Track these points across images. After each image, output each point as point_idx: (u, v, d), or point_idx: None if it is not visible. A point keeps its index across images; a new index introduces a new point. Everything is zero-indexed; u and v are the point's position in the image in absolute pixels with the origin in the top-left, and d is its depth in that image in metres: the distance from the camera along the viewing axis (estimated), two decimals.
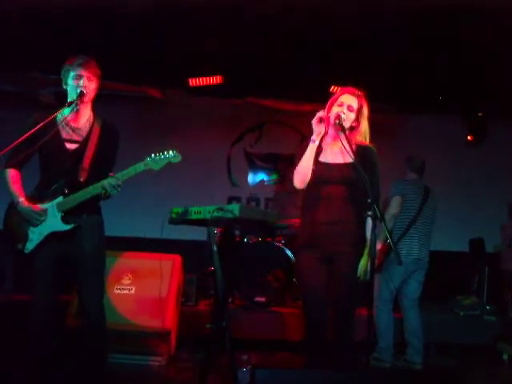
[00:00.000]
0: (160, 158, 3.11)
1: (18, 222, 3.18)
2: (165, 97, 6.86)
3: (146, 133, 7.21)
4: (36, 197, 3.21)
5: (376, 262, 4.30)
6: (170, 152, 3.13)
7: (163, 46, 5.51)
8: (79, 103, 3.20)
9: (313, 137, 3.29)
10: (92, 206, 3.26)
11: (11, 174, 3.25)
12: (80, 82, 3.19)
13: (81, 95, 3.17)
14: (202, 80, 6.51)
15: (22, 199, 3.17)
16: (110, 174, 3.11)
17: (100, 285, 3.31)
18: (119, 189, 3.10)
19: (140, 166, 3.11)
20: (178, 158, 3.15)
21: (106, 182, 3.08)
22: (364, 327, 3.05)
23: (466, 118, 7.15)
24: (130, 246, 4.47)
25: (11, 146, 3.02)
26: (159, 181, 7.05)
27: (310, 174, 3.30)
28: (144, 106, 7.21)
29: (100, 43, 4.95)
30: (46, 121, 3.10)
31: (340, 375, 2.65)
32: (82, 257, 3.19)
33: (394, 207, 4.64)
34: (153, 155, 3.11)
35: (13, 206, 3.20)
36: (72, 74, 3.21)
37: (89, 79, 3.21)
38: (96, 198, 3.22)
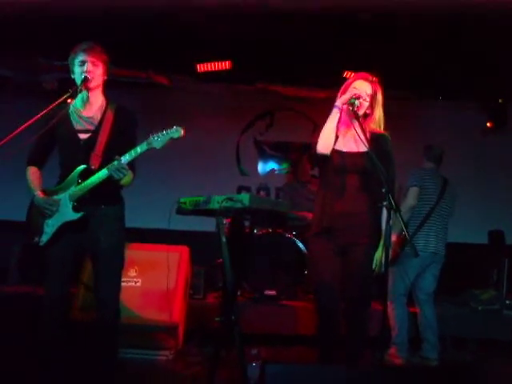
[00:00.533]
0: (161, 135, 3.09)
1: (35, 215, 3.25)
2: (172, 83, 6.83)
3: (152, 121, 7.13)
4: (54, 190, 3.26)
5: (391, 254, 4.33)
6: (171, 129, 3.11)
7: (170, 30, 5.49)
8: (83, 89, 3.21)
9: (337, 103, 3.28)
10: (111, 196, 3.28)
11: (31, 171, 3.36)
12: (84, 68, 3.19)
13: (85, 81, 3.17)
14: (210, 65, 6.48)
15: (37, 192, 3.24)
16: (116, 157, 3.11)
17: (117, 279, 3.31)
18: (125, 171, 3.08)
19: (143, 146, 3.09)
20: (179, 132, 3.10)
21: (110, 167, 3.08)
22: (378, 322, 3.04)
23: (485, 104, 7.08)
24: (136, 237, 4.46)
25: (8, 137, 3.00)
26: (166, 170, 7.08)
27: (333, 138, 3.28)
28: (150, 93, 7.20)
29: (105, 29, 4.93)
30: (59, 117, 3.15)
31: (353, 371, 2.65)
32: (99, 250, 3.20)
33: (411, 198, 4.58)
34: (155, 134, 3.10)
35: (32, 201, 3.28)
36: (77, 60, 3.22)
37: (93, 64, 3.20)
38: (113, 187, 3.24)
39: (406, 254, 4.44)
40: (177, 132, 3.10)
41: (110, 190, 3.23)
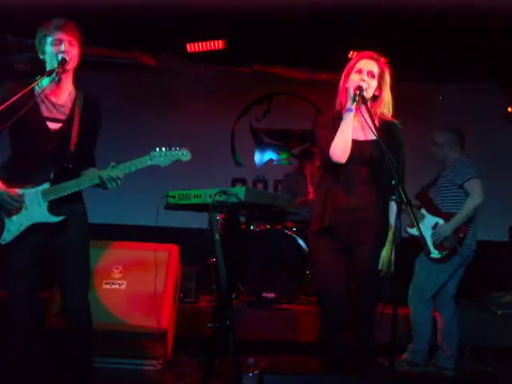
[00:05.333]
0: (168, 155, 3.12)
1: None
2: (159, 64, 6.81)
3: (137, 106, 7.20)
4: (8, 178, 3.15)
5: (447, 248, 4.42)
6: (180, 149, 3.16)
7: (157, 6, 5.46)
8: (61, 72, 3.16)
9: (348, 105, 3.28)
10: (75, 195, 3.24)
11: None
12: (61, 48, 3.12)
13: (63, 62, 3.11)
14: (202, 45, 6.47)
15: None
16: (112, 163, 3.09)
17: (85, 279, 3.31)
18: (119, 182, 3.10)
19: (145, 160, 3.12)
20: (188, 157, 3.19)
21: (105, 174, 3.07)
22: (387, 327, 3.04)
23: (506, 87, 7.08)
24: (121, 234, 4.47)
25: None
26: None
27: (350, 145, 3.25)
28: (135, 74, 7.18)
29: (83, 3, 4.91)
30: (23, 92, 3.04)
31: (360, 381, 2.65)
32: (67, 248, 3.19)
33: (482, 193, 4.47)
34: (159, 149, 3.12)
35: None
36: (50, 39, 3.14)
37: (70, 43, 3.14)
38: None
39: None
40: (185, 156, 3.18)
41: None
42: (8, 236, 3.13)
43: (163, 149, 3.13)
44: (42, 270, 3.24)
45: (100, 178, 3.08)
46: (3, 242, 3.13)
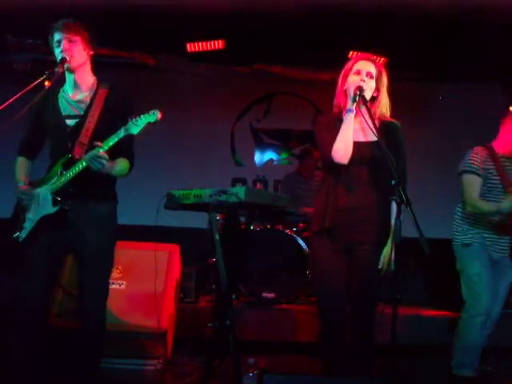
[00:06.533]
0: (138, 120, 3.06)
1: (19, 209, 3.28)
2: (159, 64, 6.83)
3: (137, 106, 7.18)
4: (38, 182, 3.28)
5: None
6: (149, 113, 3.09)
7: (157, 5, 5.47)
8: (61, 71, 3.18)
9: (349, 106, 3.28)
10: (101, 192, 3.26)
11: (19, 162, 3.42)
12: (61, 47, 3.18)
13: (62, 62, 3.15)
14: (202, 45, 6.47)
15: (20, 184, 3.28)
16: (96, 143, 3.07)
17: (104, 286, 3.30)
18: (102, 161, 3.03)
19: (120, 133, 3.06)
20: (156, 115, 3.08)
21: (87, 156, 3.06)
22: (387, 328, 3.04)
23: (508, 87, 7.09)
24: (121, 234, 4.43)
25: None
26: (154, 161, 7.06)
27: (351, 146, 3.25)
28: (135, 74, 7.18)
29: (84, 3, 4.92)
30: (40, 95, 3.15)
31: (359, 381, 2.66)
32: (86, 252, 3.19)
33: None
34: (133, 118, 3.08)
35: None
36: (54, 41, 3.23)
37: (69, 41, 3.18)
38: (104, 180, 3.23)
39: None
40: (153, 116, 3.08)
41: (100, 184, 3.22)
42: (23, 233, 3.20)
43: (136, 118, 3.06)
44: (55, 270, 3.27)
45: (84, 160, 3.07)
46: (20, 240, 3.20)
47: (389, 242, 3.25)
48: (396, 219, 2.99)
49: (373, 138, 3.21)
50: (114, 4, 5.40)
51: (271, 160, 8.05)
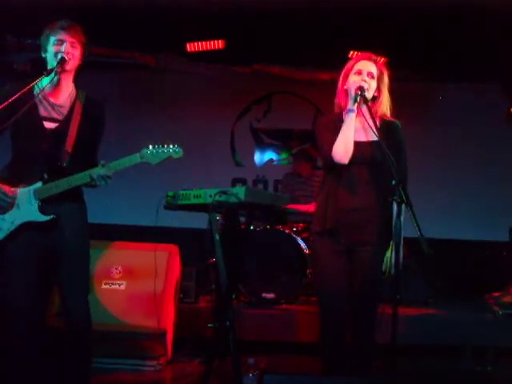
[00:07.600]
0: (159, 152, 3.07)
1: None
2: (159, 64, 6.82)
3: (137, 106, 7.19)
4: (8, 178, 3.17)
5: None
6: (172, 146, 3.09)
7: (156, 5, 5.47)
8: (59, 71, 3.16)
9: (350, 106, 3.28)
10: (73, 194, 3.23)
11: None
12: (62, 48, 3.14)
13: (62, 62, 3.12)
14: (202, 45, 6.47)
15: None
16: (102, 162, 3.08)
17: (85, 279, 3.31)
18: (109, 180, 3.07)
19: (135, 158, 3.08)
20: (180, 154, 3.10)
21: (94, 172, 3.05)
22: (387, 328, 3.04)
23: (508, 87, 7.08)
24: (120, 234, 4.46)
25: None
26: None
27: (352, 146, 3.25)
28: (135, 74, 7.18)
29: (84, 3, 4.92)
30: (21, 92, 3.04)
31: (360, 382, 2.65)
32: (64, 247, 3.17)
33: None
34: (150, 147, 3.07)
35: None
36: (52, 39, 3.17)
37: (72, 45, 3.16)
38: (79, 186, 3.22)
39: None
40: (177, 153, 3.09)
41: (73, 188, 3.19)
42: (0, 234, 3.13)
43: (154, 146, 3.07)
44: (40, 269, 3.20)
45: (90, 176, 3.07)
46: None
47: (391, 245, 3.24)
48: (396, 219, 2.99)
49: (374, 137, 3.20)
50: (115, 4, 5.39)
51: (271, 160, 8.04)
